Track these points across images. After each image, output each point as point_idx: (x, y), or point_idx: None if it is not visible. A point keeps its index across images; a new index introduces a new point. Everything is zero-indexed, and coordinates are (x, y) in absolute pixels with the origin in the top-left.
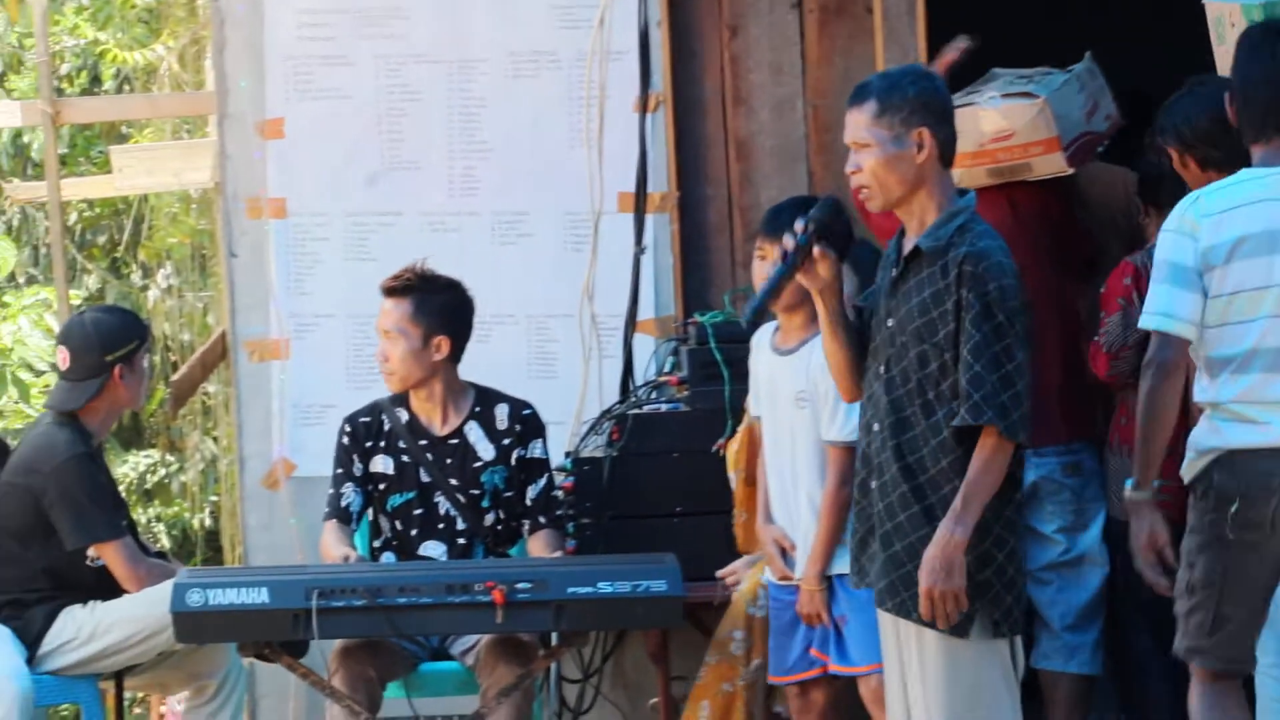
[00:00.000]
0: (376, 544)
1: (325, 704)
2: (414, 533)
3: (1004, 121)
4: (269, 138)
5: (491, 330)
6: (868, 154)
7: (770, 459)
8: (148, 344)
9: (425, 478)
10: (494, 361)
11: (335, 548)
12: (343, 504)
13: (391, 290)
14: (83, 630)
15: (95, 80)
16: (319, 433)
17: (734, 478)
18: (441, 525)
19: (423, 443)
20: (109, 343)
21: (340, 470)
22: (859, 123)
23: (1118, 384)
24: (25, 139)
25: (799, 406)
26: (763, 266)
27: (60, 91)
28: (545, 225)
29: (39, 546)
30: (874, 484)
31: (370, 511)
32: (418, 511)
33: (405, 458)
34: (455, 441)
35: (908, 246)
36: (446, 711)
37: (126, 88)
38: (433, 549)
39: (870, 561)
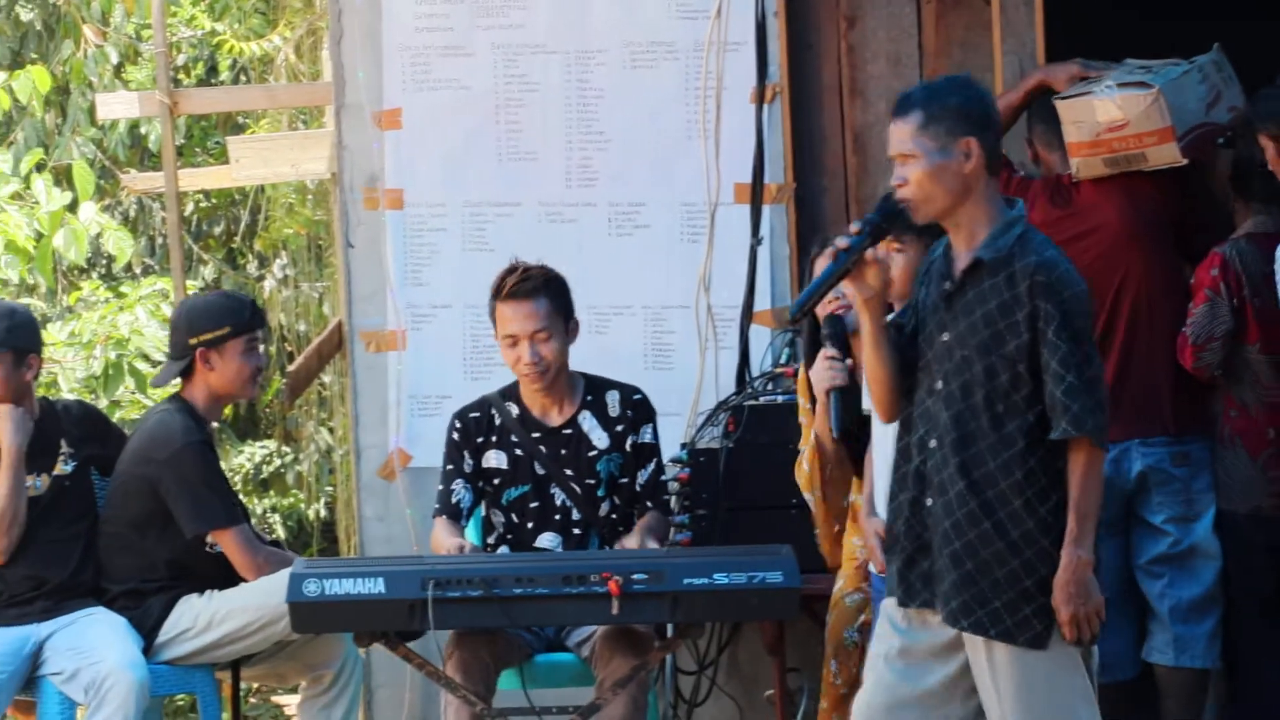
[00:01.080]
0: (490, 540)
1: (441, 694)
2: (530, 525)
3: (1118, 111)
4: (386, 128)
5: (609, 321)
6: (914, 165)
7: (878, 451)
8: (250, 333)
9: (540, 470)
10: (610, 353)
11: (448, 539)
12: (453, 500)
13: (530, 291)
14: (199, 620)
15: (212, 71)
16: (435, 424)
17: (811, 498)
18: (557, 516)
19: (535, 435)
20: (194, 327)
21: (450, 466)
22: (903, 134)
23: (1204, 376)
24: (142, 130)
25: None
26: (897, 260)
27: (177, 82)
28: (662, 216)
29: (156, 535)
30: (931, 502)
31: (482, 506)
32: (533, 504)
33: (519, 451)
34: (569, 432)
35: (962, 259)
36: (561, 702)
37: (243, 78)
38: (548, 541)
39: (924, 580)
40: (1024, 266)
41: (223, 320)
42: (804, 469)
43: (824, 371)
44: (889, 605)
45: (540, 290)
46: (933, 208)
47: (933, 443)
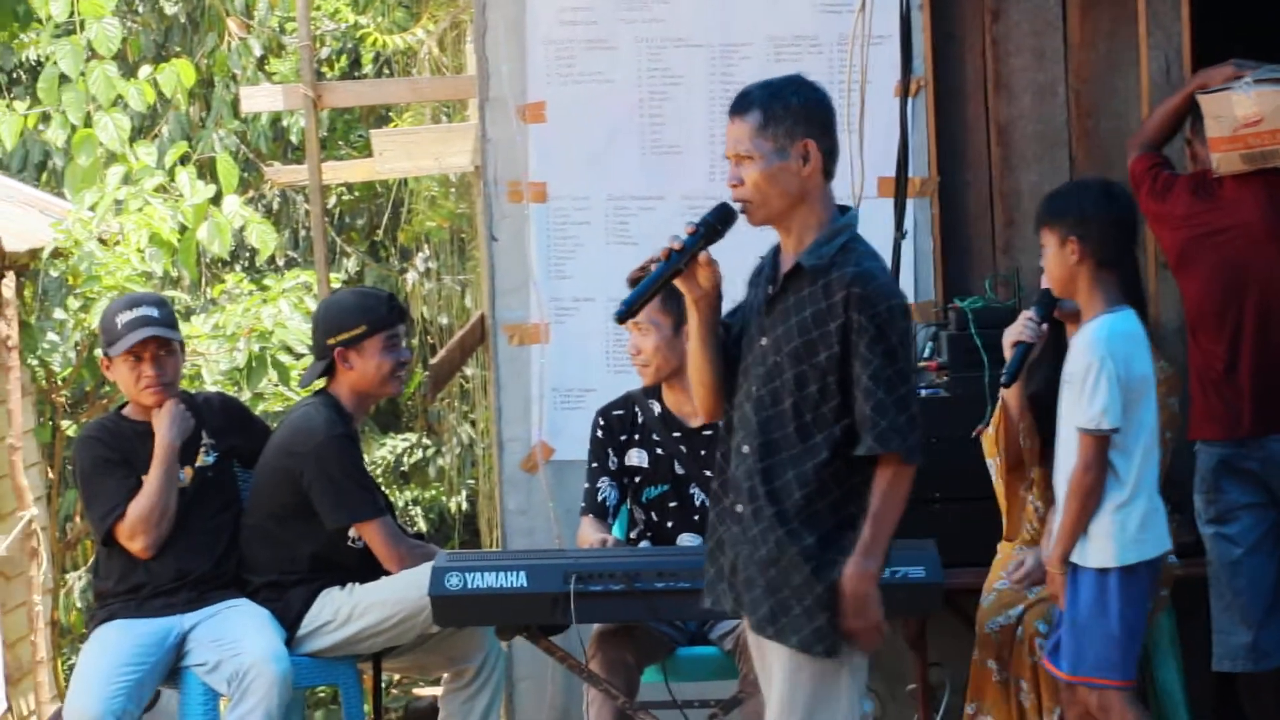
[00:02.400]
0: (633, 534)
1: (583, 688)
2: (669, 525)
3: (1254, 106)
4: (530, 121)
5: None
6: (750, 167)
7: (1062, 446)
8: (388, 330)
9: (679, 470)
10: None
11: (593, 536)
12: (599, 499)
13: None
14: (340, 612)
15: (355, 64)
16: (578, 417)
17: (993, 465)
18: (696, 517)
19: (676, 435)
20: (332, 326)
21: (595, 464)
22: (741, 134)
23: None
24: (285, 123)
25: (1064, 386)
26: (1044, 257)
27: (321, 75)
28: None
29: (298, 528)
30: (742, 509)
31: (627, 502)
32: (672, 504)
33: (659, 450)
34: (709, 433)
35: (786, 263)
36: (704, 696)
37: (386, 72)
38: (688, 540)
39: (732, 588)
40: (840, 276)
41: (359, 319)
42: (989, 433)
43: (1018, 325)
44: None
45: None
46: (768, 210)
47: (745, 448)
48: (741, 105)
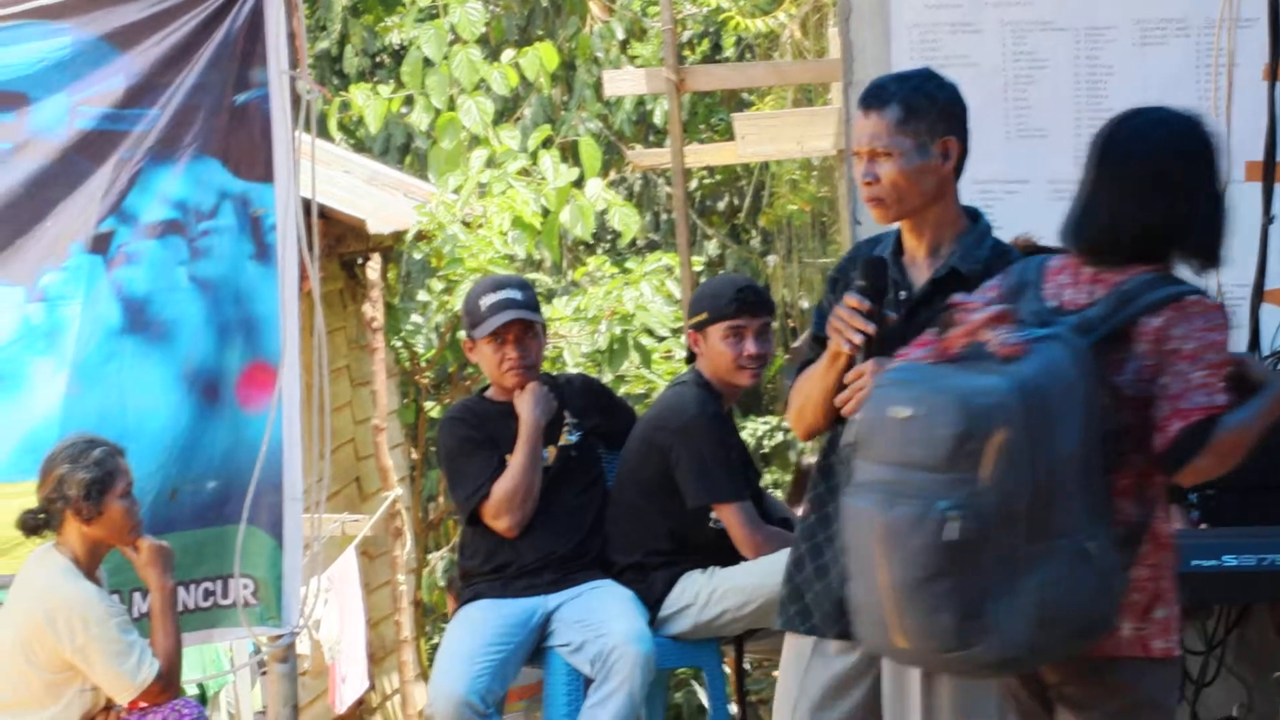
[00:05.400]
0: None
1: None
2: None
3: None
4: None
5: None
6: (888, 164)
7: None
8: (731, 321)
9: None
10: None
11: None
12: None
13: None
14: (701, 595)
15: (715, 48)
16: None
17: None
18: None
19: None
20: (689, 308)
21: None
22: (877, 129)
23: None
24: (647, 106)
25: None
26: None
27: (682, 59)
28: None
29: (661, 504)
30: None
31: None
32: None
33: None
34: None
35: (924, 265)
36: None
37: (748, 55)
38: None
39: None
40: None
41: (703, 305)
42: None
43: None
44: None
45: None
46: (903, 209)
47: None
48: (877, 99)
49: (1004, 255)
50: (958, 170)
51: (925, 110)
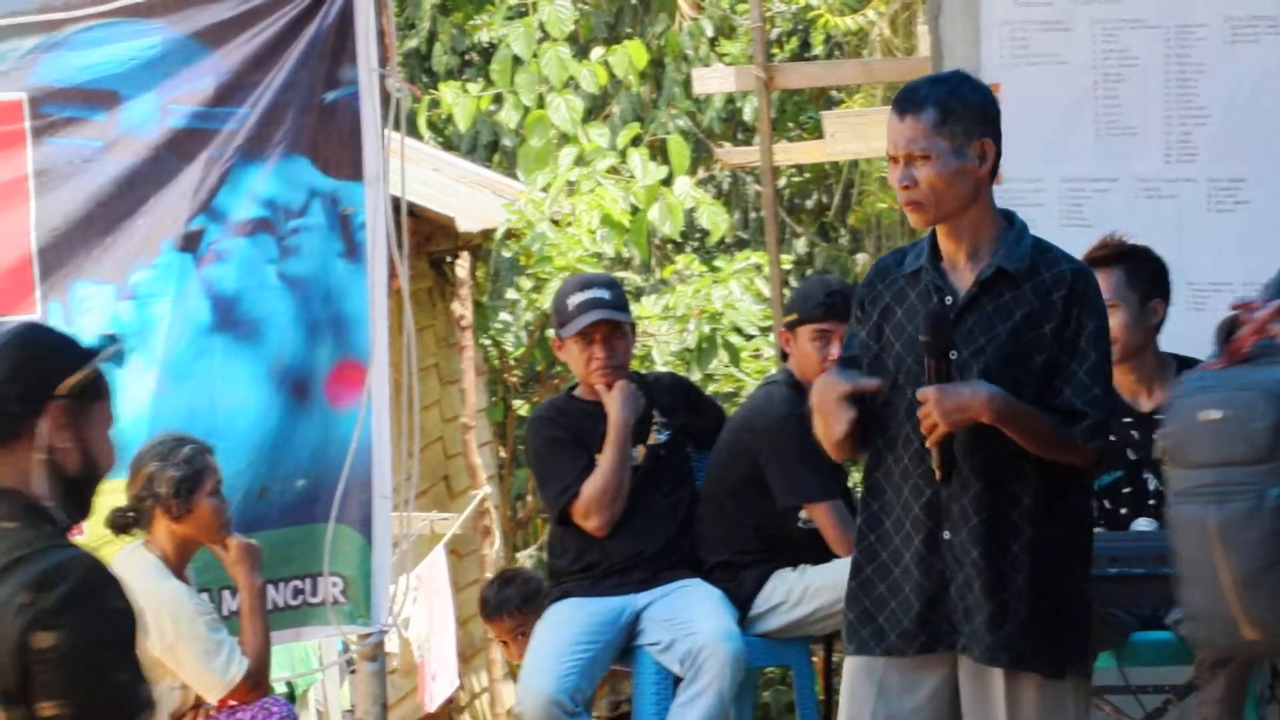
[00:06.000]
0: None
1: None
2: (1123, 511)
3: None
4: None
5: (1207, 299)
6: (926, 167)
7: None
8: (818, 324)
9: (1132, 455)
10: (1208, 331)
11: None
12: None
13: (1104, 260)
14: (792, 593)
15: (804, 46)
16: None
17: None
18: (1151, 502)
19: (1126, 420)
20: (783, 309)
21: None
22: (914, 133)
23: None
24: (736, 103)
25: None
26: None
27: (771, 57)
28: (1264, 192)
29: (751, 504)
30: (949, 535)
31: None
32: (1125, 489)
33: (1111, 436)
34: (1160, 417)
35: (966, 269)
36: (1158, 681)
37: (837, 53)
38: (1144, 525)
39: (948, 620)
40: (1058, 275)
41: (794, 306)
42: None
43: None
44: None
45: (1115, 260)
46: (940, 212)
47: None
48: (912, 102)
49: (1046, 252)
50: (993, 172)
51: (961, 113)
